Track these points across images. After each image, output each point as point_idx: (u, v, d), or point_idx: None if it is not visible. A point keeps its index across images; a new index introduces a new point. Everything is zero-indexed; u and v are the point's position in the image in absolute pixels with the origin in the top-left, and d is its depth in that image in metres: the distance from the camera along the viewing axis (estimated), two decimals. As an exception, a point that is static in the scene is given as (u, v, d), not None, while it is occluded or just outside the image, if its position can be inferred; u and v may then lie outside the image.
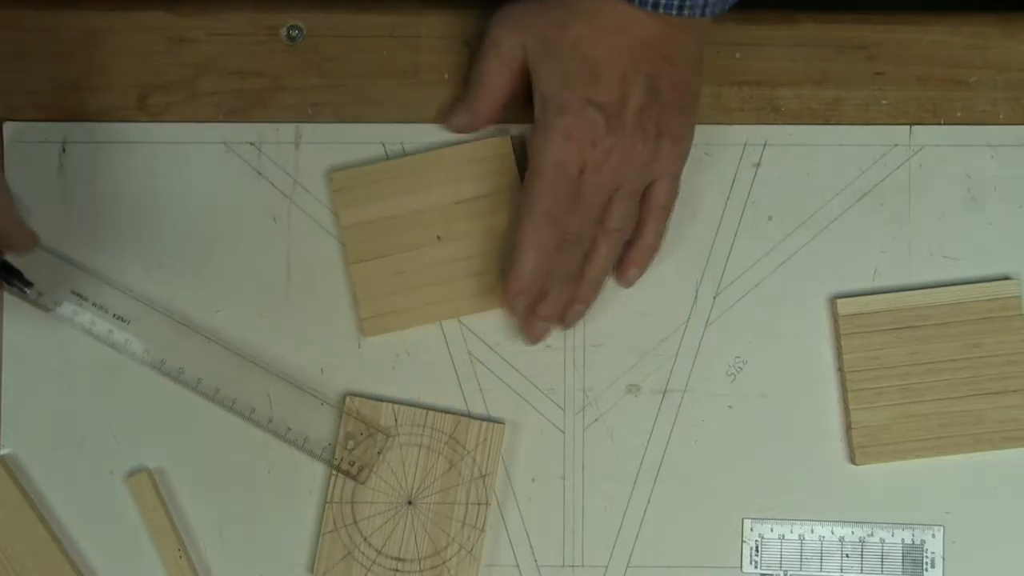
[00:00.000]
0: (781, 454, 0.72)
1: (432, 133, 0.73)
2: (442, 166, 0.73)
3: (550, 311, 0.71)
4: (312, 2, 0.73)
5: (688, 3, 0.66)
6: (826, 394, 0.73)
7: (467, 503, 0.72)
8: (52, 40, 0.72)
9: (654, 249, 0.72)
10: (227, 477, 0.72)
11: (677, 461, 0.73)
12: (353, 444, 0.71)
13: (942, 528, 0.72)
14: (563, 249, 0.69)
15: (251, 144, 0.73)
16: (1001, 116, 0.73)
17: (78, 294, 0.72)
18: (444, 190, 0.72)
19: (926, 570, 0.72)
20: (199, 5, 0.73)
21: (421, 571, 0.71)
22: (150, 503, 0.71)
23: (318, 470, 0.72)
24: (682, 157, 0.70)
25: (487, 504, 0.72)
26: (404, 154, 0.73)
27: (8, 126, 0.72)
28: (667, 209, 0.71)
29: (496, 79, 0.70)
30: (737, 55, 0.73)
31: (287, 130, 0.73)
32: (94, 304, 0.72)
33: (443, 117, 0.72)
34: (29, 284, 0.70)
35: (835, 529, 0.72)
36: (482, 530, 0.72)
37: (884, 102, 0.73)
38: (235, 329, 0.72)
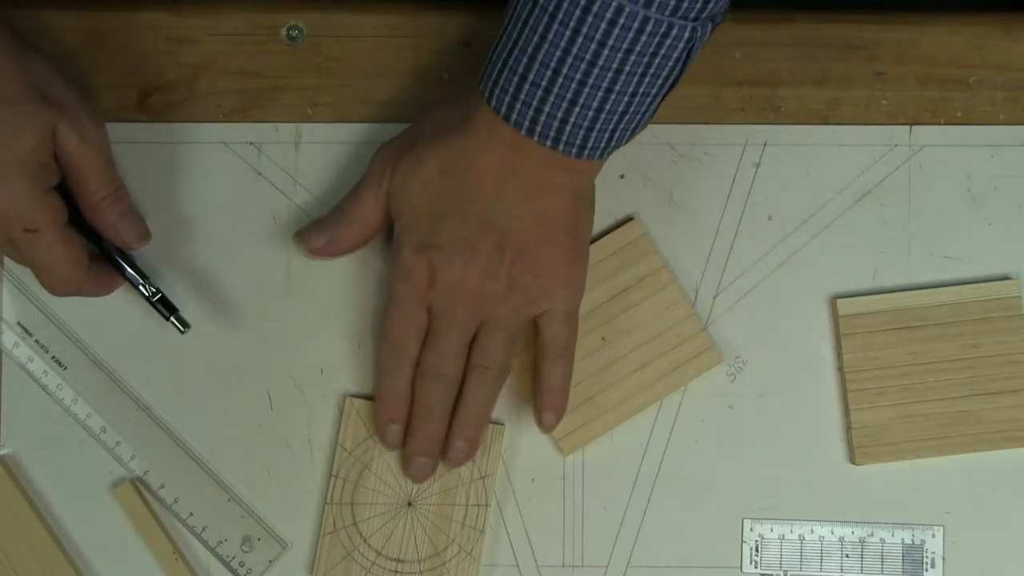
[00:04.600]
0: (781, 454, 0.72)
1: (432, 133, 0.73)
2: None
3: (421, 445, 0.69)
4: (312, 2, 0.73)
5: (591, 143, 0.63)
6: (826, 394, 0.73)
7: (467, 504, 0.72)
8: (52, 40, 0.72)
9: (557, 391, 0.69)
10: (227, 478, 0.72)
11: (677, 461, 0.72)
12: (248, 548, 0.71)
13: (942, 528, 0.72)
14: (423, 382, 0.68)
15: (251, 144, 0.73)
16: (1001, 116, 0.73)
17: (23, 327, 0.72)
18: (595, 291, 0.71)
19: (926, 570, 0.72)
20: (199, 5, 0.73)
21: (421, 572, 0.71)
22: (137, 510, 0.71)
23: (318, 471, 0.72)
24: (554, 294, 0.67)
25: (487, 505, 0.72)
26: None
27: (8, 126, 0.72)
28: (559, 349, 0.68)
29: (370, 216, 0.69)
30: (737, 55, 0.73)
31: (287, 130, 0.73)
32: (36, 341, 0.71)
33: (300, 233, 0.70)
34: (185, 324, 0.69)
35: (835, 529, 0.72)
36: (482, 531, 0.71)
37: (884, 102, 0.73)
38: (235, 329, 0.72)
